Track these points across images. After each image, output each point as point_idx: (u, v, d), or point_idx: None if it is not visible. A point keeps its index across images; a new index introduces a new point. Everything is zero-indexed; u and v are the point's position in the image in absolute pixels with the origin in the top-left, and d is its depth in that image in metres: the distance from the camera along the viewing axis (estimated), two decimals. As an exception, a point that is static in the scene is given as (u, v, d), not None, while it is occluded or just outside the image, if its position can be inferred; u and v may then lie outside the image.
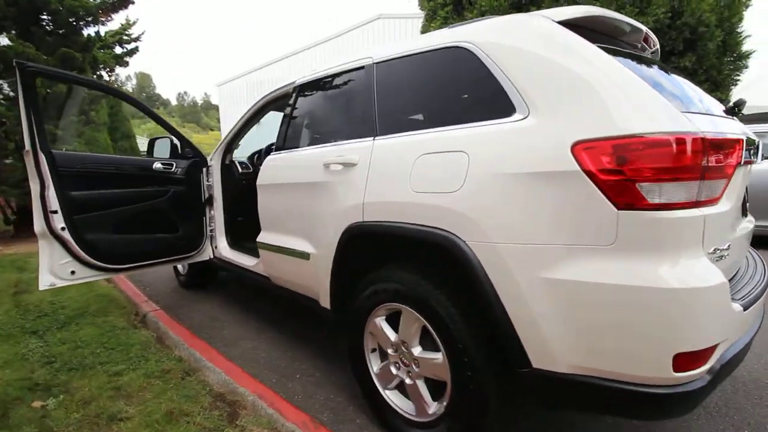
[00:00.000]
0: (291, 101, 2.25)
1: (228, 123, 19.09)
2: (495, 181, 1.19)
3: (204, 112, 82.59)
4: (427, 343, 1.47)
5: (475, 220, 1.22)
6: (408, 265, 1.50)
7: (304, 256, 1.96)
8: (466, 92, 1.42)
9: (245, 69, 18.81)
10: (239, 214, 3.15)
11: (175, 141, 2.84)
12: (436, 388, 1.48)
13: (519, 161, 1.16)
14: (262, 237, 2.30)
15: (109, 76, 9.53)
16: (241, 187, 3.10)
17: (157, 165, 2.68)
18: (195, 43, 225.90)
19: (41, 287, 2.23)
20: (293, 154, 2.07)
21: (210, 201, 2.94)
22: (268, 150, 3.28)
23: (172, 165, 2.74)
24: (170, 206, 2.69)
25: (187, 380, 1.96)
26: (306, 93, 2.19)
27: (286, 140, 2.21)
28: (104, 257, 2.41)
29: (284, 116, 2.26)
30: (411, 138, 1.48)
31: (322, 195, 1.81)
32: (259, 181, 2.26)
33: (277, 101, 2.55)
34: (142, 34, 9.01)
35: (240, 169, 3.13)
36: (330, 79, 2.04)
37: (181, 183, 2.76)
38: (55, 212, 2.22)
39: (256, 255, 2.63)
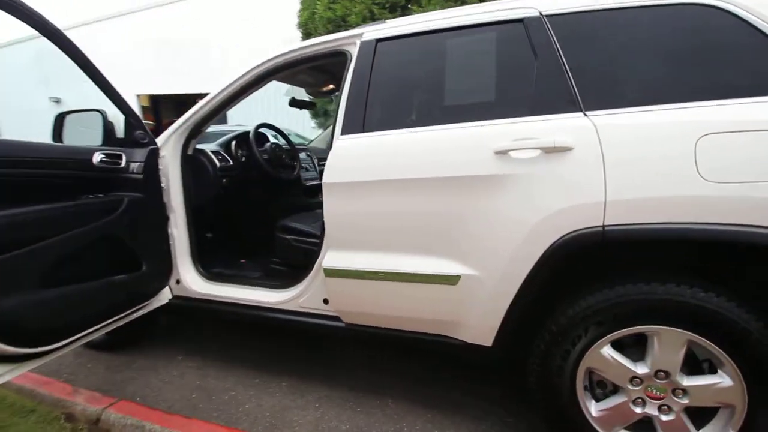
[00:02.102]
0: (361, 63, 1.58)
1: (-2, 102, 13.82)
2: None
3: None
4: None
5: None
6: (670, 276, 1.19)
7: (447, 280, 1.40)
8: (735, 61, 1.18)
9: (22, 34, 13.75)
10: (219, 229, 2.16)
11: (109, 116, 1.71)
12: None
13: None
14: (337, 259, 1.57)
15: None
16: (222, 188, 2.11)
17: (99, 157, 1.55)
18: None
19: None
20: (410, 137, 1.44)
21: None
22: (258, 135, 2.32)
23: (120, 157, 1.64)
24: (127, 226, 1.60)
25: None
26: (395, 52, 1.57)
27: (368, 117, 1.54)
28: (27, 336, 1.26)
29: (353, 84, 1.58)
30: (673, 114, 1.16)
31: (497, 193, 1.30)
32: (330, 178, 1.53)
33: (301, 64, 1.79)
34: None
35: (217, 162, 2.11)
36: (446, 34, 1.49)
37: (138, 187, 1.68)
38: None
39: (281, 286, 1.85)
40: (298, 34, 6.62)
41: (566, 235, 1.21)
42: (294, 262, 1.98)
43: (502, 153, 1.29)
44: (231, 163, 2.18)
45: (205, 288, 1.98)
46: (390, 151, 1.46)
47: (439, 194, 1.38)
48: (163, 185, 1.87)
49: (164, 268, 1.81)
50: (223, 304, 1.93)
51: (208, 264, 2.08)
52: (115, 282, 1.56)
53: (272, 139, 2.48)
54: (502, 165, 1.30)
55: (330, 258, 1.58)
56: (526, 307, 1.33)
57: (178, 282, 1.98)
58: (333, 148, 1.55)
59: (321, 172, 2.79)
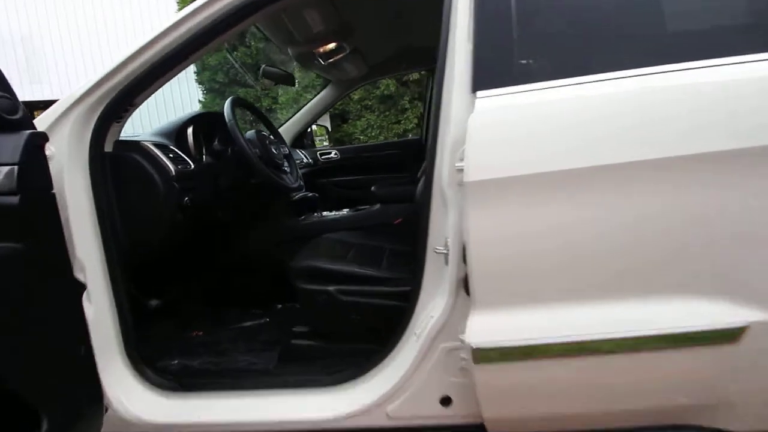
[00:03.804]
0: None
1: None
2: None
3: None
4: None
5: None
6: None
7: (720, 336, 0.78)
8: None
9: None
10: (174, 289, 1.18)
11: None
12: None
13: None
14: (502, 328, 0.80)
15: None
16: (181, 213, 1.12)
17: None
18: None
19: None
20: (632, 87, 0.77)
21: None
22: (209, 121, 1.31)
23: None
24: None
25: None
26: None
27: (528, 59, 0.84)
28: None
29: (481, 7, 0.85)
30: None
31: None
32: (483, 172, 0.77)
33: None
34: None
35: (170, 166, 1.08)
36: None
37: (9, 223, 0.67)
38: None
39: (331, 382, 1.02)
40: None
41: None
42: (342, 330, 1.15)
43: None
44: (193, 166, 1.19)
45: (165, 412, 1.01)
46: (603, 110, 0.78)
47: (711, 183, 0.75)
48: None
49: (92, 402, 0.81)
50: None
51: (161, 359, 1.11)
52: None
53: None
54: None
55: (484, 326, 0.82)
56: None
57: (107, 406, 0.97)
58: (474, 115, 0.80)
59: (305, 177, 1.92)
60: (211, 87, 6.74)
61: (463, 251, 0.84)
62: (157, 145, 1.10)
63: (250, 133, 1.37)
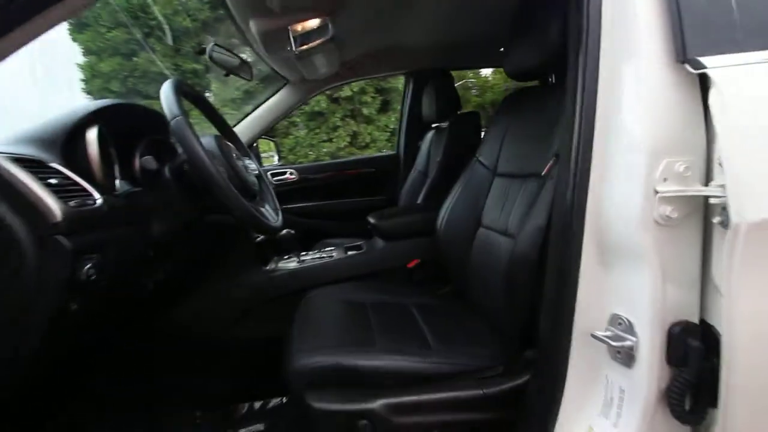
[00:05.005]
0: None
1: None
2: None
3: None
4: None
5: None
6: None
7: None
8: None
9: None
10: None
11: None
12: None
13: None
14: None
15: None
16: (74, 299, 0.54)
17: None
18: None
19: None
20: None
21: None
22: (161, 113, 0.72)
23: None
24: None
25: None
26: None
27: None
28: None
29: None
30: None
31: None
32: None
33: None
34: None
35: (50, 204, 0.50)
36: None
37: None
38: None
39: None
40: None
41: None
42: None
43: None
44: (99, 201, 0.58)
45: None
46: None
47: None
48: None
49: None
50: None
51: None
52: None
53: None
54: None
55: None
56: None
57: None
58: (723, 96, 0.43)
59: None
60: (104, 98, 5.66)
61: (671, 341, 0.47)
62: (23, 161, 0.53)
63: (207, 141, 0.83)
